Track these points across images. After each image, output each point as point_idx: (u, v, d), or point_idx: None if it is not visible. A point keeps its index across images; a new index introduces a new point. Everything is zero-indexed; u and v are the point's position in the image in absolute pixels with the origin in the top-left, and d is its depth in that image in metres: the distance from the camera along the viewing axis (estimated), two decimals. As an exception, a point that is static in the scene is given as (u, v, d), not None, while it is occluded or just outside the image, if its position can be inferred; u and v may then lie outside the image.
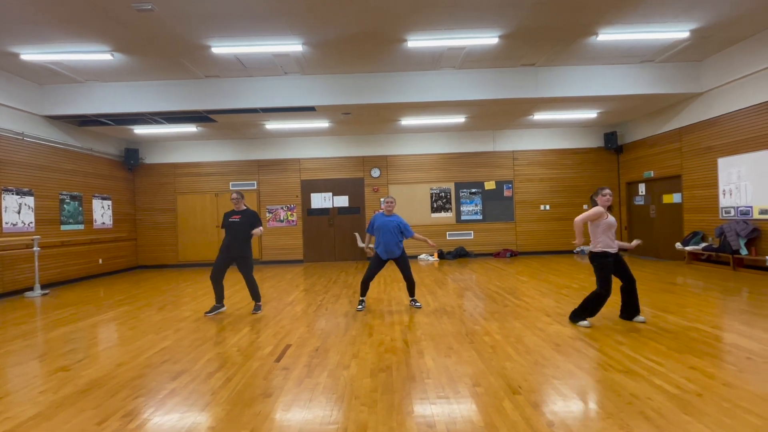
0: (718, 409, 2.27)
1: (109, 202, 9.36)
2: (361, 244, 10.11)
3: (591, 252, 4.00)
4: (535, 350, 3.33)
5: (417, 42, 6.04)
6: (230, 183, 10.44)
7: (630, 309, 4.07)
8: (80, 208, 8.42)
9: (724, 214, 7.25)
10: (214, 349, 3.66)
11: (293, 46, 6.08)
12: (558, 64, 7.26)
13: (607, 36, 6.06)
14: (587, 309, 3.95)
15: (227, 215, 5.02)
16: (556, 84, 7.38)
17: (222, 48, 6.03)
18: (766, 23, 5.92)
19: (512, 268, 8.24)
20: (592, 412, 2.30)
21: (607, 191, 3.99)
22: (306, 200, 10.51)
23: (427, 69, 7.27)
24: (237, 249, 4.92)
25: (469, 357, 3.23)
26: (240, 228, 4.91)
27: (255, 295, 5.08)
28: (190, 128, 9.03)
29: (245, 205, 5.07)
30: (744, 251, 6.66)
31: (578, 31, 5.95)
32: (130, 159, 9.84)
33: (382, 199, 5.01)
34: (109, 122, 8.19)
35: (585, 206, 10.39)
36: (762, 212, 6.53)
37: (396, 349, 3.49)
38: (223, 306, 5.09)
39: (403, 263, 4.98)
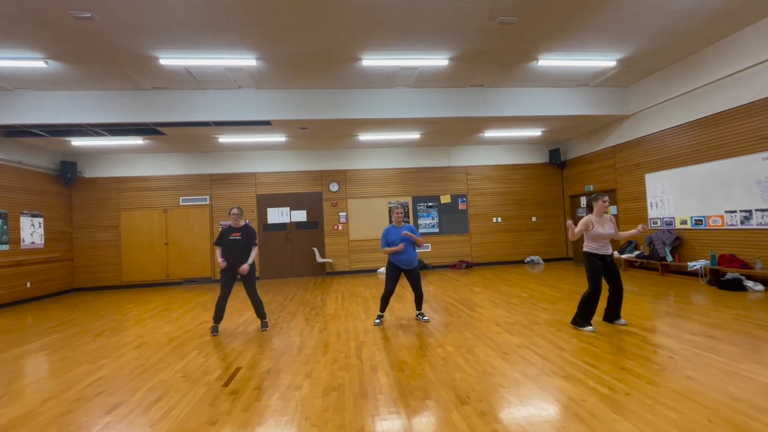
0: (642, 406, 2.48)
1: (41, 220, 8.59)
2: (320, 259, 9.99)
3: (584, 251, 4.32)
4: (484, 360, 3.46)
5: (371, 61, 6.20)
6: (180, 198, 9.97)
7: (611, 313, 4.39)
8: (5, 227, 7.66)
9: (652, 225, 7.98)
10: (156, 376, 3.44)
11: (247, 61, 6.02)
12: (504, 86, 7.74)
13: (547, 62, 6.57)
14: (585, 311, 4.18)
15: (226, 232, 4.89)
16: (503, 104, 7.84)
17: (170, 60, 5.83)
18: (678, 57, 6.71)
19: (467, 279, 8.50)
20: (534, 417, 2.42)
21: (606, 198, 4.28)
22: (262, 215, 10.25)
23: (382, 87, 7.46)
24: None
25: (422, 370, 3.29)
26: (242, 246, 4.85)
27: (261, 312, 4.96)
28: (137, 141, 8.57)
29: (243, 221, 5.00)
30: (669, 258, 7.35)
31: (520, 56, 6.40)
32: (67, 173, 9.13)
33: (390, 204, 4.92)
34: (42, 133, 7.59)
35: (534, 218, 11.00)
36: (682, 222, 7.27)
37: (350, 366, 3.48)
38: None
39: (416, 274, 4.92)
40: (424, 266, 10.38)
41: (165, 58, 5.79)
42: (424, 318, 5.00)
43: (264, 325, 4.97)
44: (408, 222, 10.60)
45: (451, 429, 2.32)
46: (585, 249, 4.28)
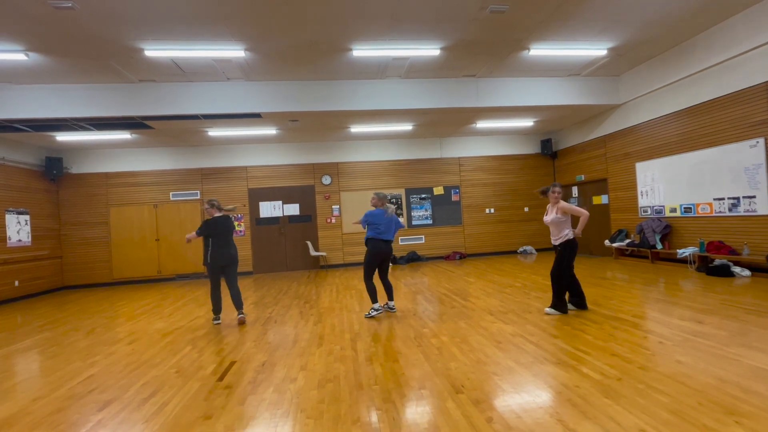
0: (633, 390, 2.52)
1: (27, 217, 8.42)
2: (313, 253, 9.96)
3: None
4: (478, 349, 3.48)
5: (362, 51, 6.12)
6: (171, 193, 9.83)
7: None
8: (-9, 225, 7.50)
9: (642, 213, 8.07)
10: (149, 372, 3.41)
11: (235, 52, 5.90)
12: (496, 76, 7.71)
13: (538, 51, 6.54)
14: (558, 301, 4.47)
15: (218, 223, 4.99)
16: (495, 94, 7.82)
17: (156, 51, 5.70)
18: (668, 45, 6.73)
19: (461, 270, 8.54)
20: (527, 404, 2.45)
21: (557, 188, 4.38)
22: (254, 209, 10.17)
23: (374, 78, 7.38)
24: (227, 256, 4.99)
25: (417, 360, 3.31)
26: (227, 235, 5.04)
27: (239, 303, 5.04)
28: (124, 135, 8.41)
29: (218, 213, 5.05)
30: (659, 246, 7.45)
31: (512, 46, 6.36)
32: (53, 169, 8.94)
33: (385, 195, 4.97)
34: (26, 128, 7.40)
35: (526, 209, 11.07)
36: (672, 210, 7.36)
37: (345, 357, 3.48)
38: (219, 319, 5.10)
39: (388, 264, 5.08)
40: (417, 258, 10.41)
41: (150, 49, 5.66)
42: (393, 309, 5.05)
43: (241, 315, 5.03)
44: (401, 213, 10.58)
45: (446, 417, 2.34)
46: None
